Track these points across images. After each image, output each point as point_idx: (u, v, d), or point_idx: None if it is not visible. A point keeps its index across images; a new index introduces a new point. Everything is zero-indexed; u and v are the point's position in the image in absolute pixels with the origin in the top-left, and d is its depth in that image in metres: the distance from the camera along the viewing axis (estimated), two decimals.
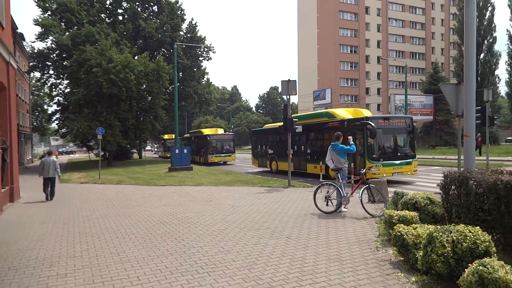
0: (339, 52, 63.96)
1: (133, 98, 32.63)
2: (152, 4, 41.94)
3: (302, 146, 19.85)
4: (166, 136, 49.72)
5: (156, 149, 62.02)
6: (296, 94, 15.26)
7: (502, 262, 3.70)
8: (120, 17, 41.47)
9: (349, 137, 10.22)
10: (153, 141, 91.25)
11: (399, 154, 15.53)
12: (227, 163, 33.98)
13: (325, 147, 17.61)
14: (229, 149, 33.95)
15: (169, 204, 11.67)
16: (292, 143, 19.88)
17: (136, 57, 35.00)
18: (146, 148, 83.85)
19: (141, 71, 31.74)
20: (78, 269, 5.66)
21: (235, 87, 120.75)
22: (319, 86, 65.71)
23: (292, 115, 20.54)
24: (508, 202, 5.04)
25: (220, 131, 36.45)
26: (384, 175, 14.84)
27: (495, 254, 4.26)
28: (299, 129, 19.35)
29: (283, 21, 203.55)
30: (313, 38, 66.89)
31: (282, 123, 20.47)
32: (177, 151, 25.49)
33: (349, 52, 64.99)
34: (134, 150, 50.57)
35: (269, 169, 23.22)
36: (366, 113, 17.31)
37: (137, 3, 40.72)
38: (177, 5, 41.48)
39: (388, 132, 15.67)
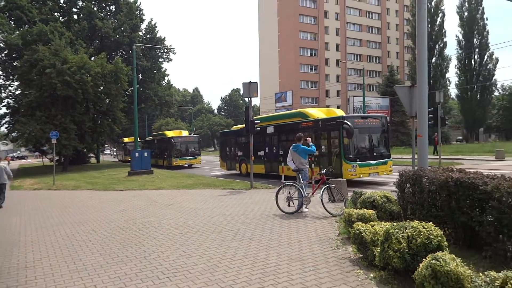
0: (300, 55, 65.05)
1: (90, 100, 31.53)
2: (109, 3, 40.80)
3: (274, 148, 19.33)
4: (126, 139, 48.30)
5: (115, 153, 59.64)
6: (257, 96, 15.33)
7: (453, 255, 3.89)
8: (75, 16, 40.02)
9: (308, 138, 10.41)
10: (112, 144, 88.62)
11: (375, 154, 15.21)
12: (193, 166, 33.19)
13: None
14: (194, 151, 33.34)
15: (128, 209, 11.36)
16: (263, 144, 20.08)
17: (92, 58, 33.90)
18: (105, 152, 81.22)
19: (98, 73, 30.75)
20: (30, 280, 5.38)
21: (196, 89, 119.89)
22: (281, 88, 66.46)
23: (265, 115, 20.61)
24: (458, 198, 5.31)
25: (185, 133, 35.65)
26: (361, 175, 14.79)
27: (447, 248, 4.46)
28: (270, 129, 19.44)
29: (244, 23, 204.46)
30: (274, 41, 67.63)
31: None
32: (137, 154, 24.90)
33: (309, 55, 66.25)
34: (92, 155, 48.95)
35: (239, 171, 22.60)
36: (339, 112, 16.79)
37: (93, 2, 39.47)
38: (136, 5, 40.61)
39: (364, 132, 15.33)
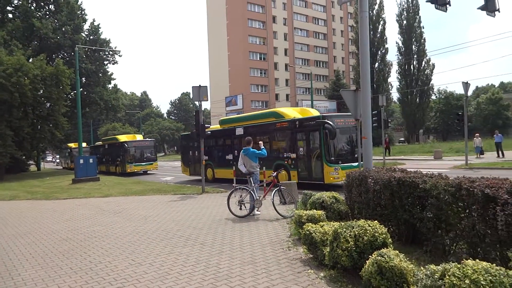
0: (249, 59, 65.62)
1: (28, 104, 29.65)
2: (48, 2, 38.72)
3: None
4: (72, 145, 45.13)
5: (58, 160, 56.05)
6: (207, 100, 15.24)
7: (397, 252, 4.09)
8: (10, 15, 37.56)
9: (260, 141, 10.51)
10: (54, 151, 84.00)
11: (356, 155, 13.80)
12: (148, 172, 31.58)
13: (276, 150, 16.29)
14: (150, 157, 31.66)
15: (73, 218, 10.81)
16: (233, 147, 18.84)
17: (31, 60, 31.96)
18: (47, 159, 76.84)
19: (37, 75, 29.00)
20: None
21: (144, 92, 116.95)
22: (231, 92, 66.61)
23: (235, 116, 20.02)
24: (401, 196, 5.59)
25: (139, 137, 33.97)
26: (344, 179, 13.80)
27: (391, 245, 4.69)
28: (239, 131, 18.13)
29: (193, 26, 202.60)
30: (224, 45, 67.70)
31: (218, 126, 21.06)
32: (81, 161, 23.80)
33: (258, 59, 67.01)
34: (32, 162, 46.12)
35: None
36: (314, 112, 16.26)
37: (29, 1, 37.27)
38: (77, 4, 38.89)
39: (345, 132, 14.44)
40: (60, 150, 51.26)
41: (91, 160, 24.31)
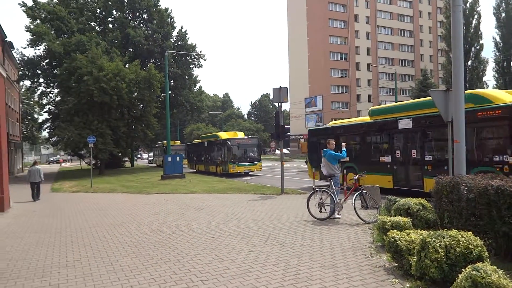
0: (330, 59, 64.48)
1: (125, 106, 32.52)
2: (141, 12, 41.99)
3: (415, 150, 13.08)
4: (165, 143, 47.12)
5: (152, 158, 57.86)
6: (287, 101, 15.31)
7: (495, 267, 3.73)
8: (110, 25, 41.42)
9: (342, 143, 10.27)
10: (145, 149, 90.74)
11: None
12: (250, 173, 27.96)
13: (482, 150, 10.87)
14: (253, 156, 27.84)
15: (162, 212, 11.59)
16: (393, 145, 13.99)
17: (127, 65, 34.95)
18: (144, 157, 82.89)
19: (132, 79, 31.70)
20: (71, 279, 5.58)
21: (226, 94, 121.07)
22: (311, 93, 66.06)
23: (393, 104, 15.83)
24: (499, 207, 5.09)
25: (240, 134, 30.19)
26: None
27: (488, 259, 4.29)
28: (405, 124, 13.36)
29: (274, 28, 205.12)
30: (304, 46, 67.38)
31: (356, 119, 18.15)
32: (169, 159, 25.45)
33: (339, 59, 65.56)
34: (126, 159, 50.28)
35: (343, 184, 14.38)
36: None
37: (126, 12, 40.73)
38: (167, 12, 41.56)
39: None
40: (154, 148, 53.32)
41: (178, 158, 25.82)
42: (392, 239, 5.36)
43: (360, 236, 7.40)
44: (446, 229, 4.83)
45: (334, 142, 10.10)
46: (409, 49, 71.81)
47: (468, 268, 3.77)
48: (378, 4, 68.37)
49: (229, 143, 27.39)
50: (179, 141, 49.93)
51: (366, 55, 67.18)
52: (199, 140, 36.88)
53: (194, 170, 34.53)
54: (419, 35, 72.28)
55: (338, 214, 9.24)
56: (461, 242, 4.34)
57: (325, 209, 9.27)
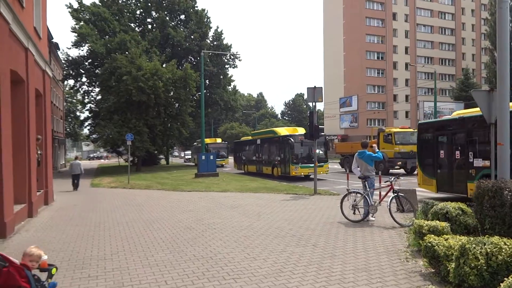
0: (366, 58, 63.19)
1: (161, 105, 33.28)
2: (179, 13, 42.84)
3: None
4: (208, 140, 44.14)
5: (189, 156, 54.78)
6: (322, 101, 15.19)
7: None
8: (150, 26, 42.52)
9: (373, 144, 10.04)
10: (180, 147, 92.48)
11: None
12: (311, 176, 20.75)
13: None
14: (319, 156, 22.23)
15: (195, 209, 11.79)
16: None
17: (164, 65, 35.75)
18: (175, 154, 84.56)
19: (169, 79, 32.39)
20: (109, 271, 5.78)
21: (260, 94, 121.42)
22: (346, 93, 65.06)
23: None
24: None
25: (300, 130, 24.81)
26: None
27: None
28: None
29: (309, 27, 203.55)
30: (339, 45, 66.42)
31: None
32: (203, 157, 25.83)
33: (376, 58, 64.11)
34: (162, 156, 51.44)
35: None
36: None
37: (165, 12, 41.68)
38: (204, 13, 42.18)
39: None
40: (192, 146, 52.41)
41: (211, 157, 26.19)
42: (429, 244, 5.19)
43: (395, 239, 7.22)
44: (487, 236, 4.62)
45: (368, 143, 9.90)
46: (450, 48, 69.19)
47: (511, 277, 3.59)
48: (417, 2, 66.30)
49: (291, 140, 22.73)
50: (220, 139, 49.99)
51: (404, 54, 65.33)
52: (249, 137, 33.89)
53: (243, 171, 30.84)
54: (461, 33, 69.47)
55: (372, 216, 9.05)
56: (503, 250, 4.13)
57: (359, 211, 9.11)
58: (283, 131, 25.50)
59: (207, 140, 44.79)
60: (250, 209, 11.41)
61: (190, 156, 53.18)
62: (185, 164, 49.15)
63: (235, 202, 13.09)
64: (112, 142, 31.82)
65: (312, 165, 19.10)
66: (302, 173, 22.50)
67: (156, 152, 40.24)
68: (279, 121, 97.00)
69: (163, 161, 52.26)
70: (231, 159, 42.42)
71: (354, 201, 9.18)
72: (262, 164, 27.39)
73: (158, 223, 9.68)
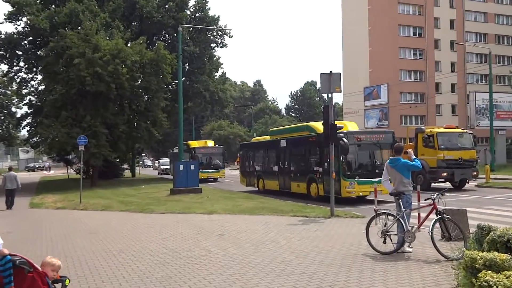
0: (399, 35, 63.49)
1: (125, 97, 33.26)
2: None
3: None
4: (195, 144, 43.77)
5: (166, 166, 54.15)
6: (340, 91, 15.17)
7: None
8: None
9: (408, 150, 10.03)
10: (150, 154, 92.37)
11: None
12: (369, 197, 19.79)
13: None
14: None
15: (171, 237, 11.74)
16: None
17: (129, 44, 35.72)
18: (148, 164, 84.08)
19: (136, 62, 32.37)
20: None
21: (258, 82, 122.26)
22: (372, 81, 65.33)
23: None
24: None
25: (352, 126, 22.39)
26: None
27: None
28: None
29: None
30: (363, 17, 66.62)
31: None
32: (181, 167, 25.75)
33: (412, 35, 64.46)
34: (126, 166, 51.32)
35: None
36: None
37: None
38: None
39: None
40: (171, 153, 51.30)
41: (192, 167, 26.13)
42: (485, 284, 5.20)
43: (440, 278, 7.21)
44: None
45: (403, 147, 9.89)
46: (509, 21, 69.68)
47: None
48: None
49: (344, 140, 17.97)
50: (212, 142, 48.06)
51: (449, 30, 65.76)
52: (265, 138, 31.66)
53: (256, 188, 28.24)
54: None
55: (409, 246, 9.03)
56: None
57: (390, 239, 9.09)
58: (318, 126, 22.38)
59: (193, 143, 43.98)
60: (244, 237, 11.37)
61: (168, 166, 51.07)
62: (158, 177, 49.08)
63: (224, 228, 13.04)
64: (59, 147, 31.75)
65: (376, 179, 17.58)
66: (361, 193, 19.85)
67: (118, 160, 40.20)
68: (283, 118, 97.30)
69: (127, 173, 52.19)
70: (228, 171, 42.41)
71: (385, 225, 9.15)
72: (290, 178, 24.32)
73: (121, 256, 9.61)
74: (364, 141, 20.21)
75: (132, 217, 16.55)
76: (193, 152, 40.35)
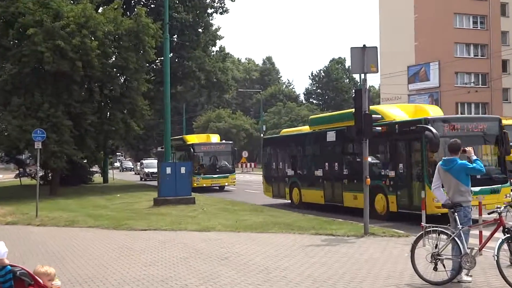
0: None
1: (95, 79, 33.16)
2: None
3: None
4: (193, 138, 43.29)
5: (152, 169, 53.49)
6: (377, 72, 15.13)
7: None
8: None
9: (468, 148, 9.94)
10: (127, 152, 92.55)
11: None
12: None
13: None
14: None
15: (155, 262, 11.77)
16: None
17: (100, 10, 35.63)
18: (128, 166, 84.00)
19: (109, 34, 32.28)
20: None
21: (269, 60, 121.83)
22: (418, 59, 65.04)
23: None
24: None
25: (435, 111, 21.07)
26: None
27: None
28: None
29: None
30: None
31: None
32: (168, 169, 25.65)
33: None
34: (96, 169, 51.33)
35: None
36: None
37: None
38: None
39: None
40: (159, 152, 50.04)
41: (183, 169, 26.05)
42: None
43: None
44: None
45: (460, 145, 9.80)
46: None
47: None
48: None
49: (432, 131, 16.65)
50: (218, 136, 46.28)
51: None
52: (302, 129, 29.86)
53: (288, 200, 26.94)
54: None
55: (467, 274, 9.01)
56: None
57: (443, 264, 9.05)
58: (397, 112, 21.65)
59: (192, 138, 42.99)
60: (251, 262, 11.41)
61: (154, 169, 50.27)
62: (140, 184, 49.09)
63: (224, 250, 13.06)
64: (8, 144, 31.80)
65: (479, 188, 16.63)
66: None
67: (85, 161, 40.18)
68: (301, 106, 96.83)
69: (98, 178, 52.26)
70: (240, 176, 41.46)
71: (436, 247, 9.10)
72: (343, 187, 22.83)
73: (89, 286, 9.64)
74: (460, 132, 18.40)
75: (104, 235, 16.57)
76: (192, 150, 39.25)
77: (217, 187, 38.62)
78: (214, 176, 38.26)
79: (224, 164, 39.62)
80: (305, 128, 28.19)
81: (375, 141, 19.38)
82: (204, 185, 35.40)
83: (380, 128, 16.08)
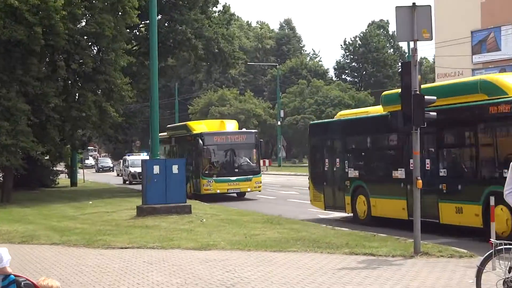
0: None
1: (60, 50, 33.25)
2: None
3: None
4: (201, 126, 41.55)
5: (128, 170, 56.15)
6: (430, 39, 15.10)
7: None
8: None
9: None
10: (102, 146, 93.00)
11: None
12: None
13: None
14: None
15: None
16: None
17: None
18: (105, 165, 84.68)
19: None
20: None
21: (288, 23, 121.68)
22: (485, 22, 64.81)
23: None
24: None
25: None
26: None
27: None
28: None
29: None
30: None
31: None
32: (156, 169, 25.60)
33: None
34: (61, 168, 51.57)
35: None
36: None
37: None
38: None
39: None
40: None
41: (175, 169, 26.04)
42: None
43: None
44: None
45: None
46: None
47: None
48: None
49: None
50: (235, 122, 43.77)
51: None
52: (369, 111, 28.37)
53: (350, 214, 25.95)
54: None
55: None
56: None
57: None
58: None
59: (198, 126, 40.76)
60: None
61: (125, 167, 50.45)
62: (122, 187, 49.29)
63: (229, 275, 13.07)
64: None
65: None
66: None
67: (47, 158, 40.33)
68: (331, 86, 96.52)
69: (64, 180, 52.46)
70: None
71: (510, 270, 9.06)
72: (439, 195, 21.04)
73: None
74: None
75: (73, 255, 16.64)
76: (201, 141, 37.00)
77: (236, 194, 36.68)
78: (231, 178, 35.58)
79: (245, 162, 37.37)
80: (374, 109, 26.56)
81: (491, 129, 18.84)
82: (218, 191, 34.16)
83: (434, 113, 15.74)
